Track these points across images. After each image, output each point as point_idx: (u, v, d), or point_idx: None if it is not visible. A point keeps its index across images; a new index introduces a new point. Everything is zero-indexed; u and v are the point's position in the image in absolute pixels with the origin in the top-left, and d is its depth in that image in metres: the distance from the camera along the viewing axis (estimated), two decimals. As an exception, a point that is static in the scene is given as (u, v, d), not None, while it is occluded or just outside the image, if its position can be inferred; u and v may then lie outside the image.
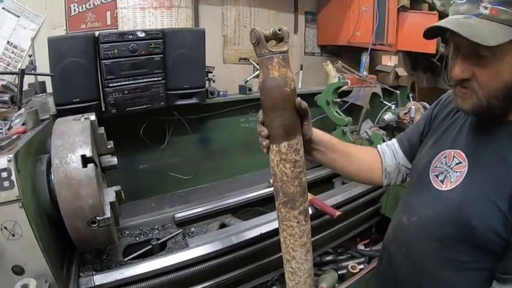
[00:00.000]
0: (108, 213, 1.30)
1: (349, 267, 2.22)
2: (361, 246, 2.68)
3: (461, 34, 0.79)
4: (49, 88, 1.90)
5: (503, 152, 0.89)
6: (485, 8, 0.80)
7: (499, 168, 0.89)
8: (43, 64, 1.99)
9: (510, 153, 0.88)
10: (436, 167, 1.04)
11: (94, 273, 1.46)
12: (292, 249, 1.01)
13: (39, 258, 1.16)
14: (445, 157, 1.03)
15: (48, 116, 1.68)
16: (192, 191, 2.50)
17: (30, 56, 1.93)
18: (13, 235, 1.12)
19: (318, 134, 1.11)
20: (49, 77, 1.82)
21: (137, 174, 2.32)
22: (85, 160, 1.25)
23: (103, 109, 1.99)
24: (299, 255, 1.01)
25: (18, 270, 1.15)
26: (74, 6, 2.17)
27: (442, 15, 3.63)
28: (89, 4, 2.22)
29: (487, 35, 0.78)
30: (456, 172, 0.97)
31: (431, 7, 3.61)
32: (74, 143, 1.28)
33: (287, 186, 0.96)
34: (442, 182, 1.00)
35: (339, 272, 2.31)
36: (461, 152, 0.99)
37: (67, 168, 1.23)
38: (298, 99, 0.93)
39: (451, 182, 0.97)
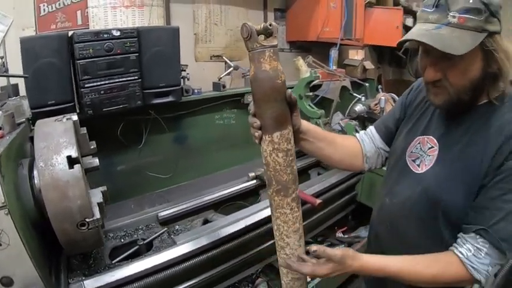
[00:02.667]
0: (97, 214, 1.29)
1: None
2: (339, 234, 2.78)
3: (436, 47, 0.87)
4: (22, 91, 1.83)
5: (468, 135, 1.00)
6: (454, 17, 0.88)
7: (465, 150, 1.00)
8: (13, 67, 1.93)
9: (474, 136, 0.99)
10: (412, 152, 1.15)
11: (83, 278, 1.44)
12: (286, 236, 1.04)
13: (28, 266, 1.13)
14: (419, 143, 1.14)
15: (23, 120, 1.63)
16: (172, 189, 2.50)
17: (1, 57, 1.86)
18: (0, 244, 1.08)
19: (305, 124, 1.16)
20: (22, 79, 1.76)
21: (115, 176, 2.28)
22: (71, 161, 1.23)
23: (77, 110, 1.94)
24: (293, 241, 1.05)
25: (7, 282, 1.11)
26: (44, 6, 2.10)
27: (407, 10, 3.80)
28: (59, 4, 2.14)
29: (457, 44, 0.87)
30: (429, 156, 1.09)
31: (396, 3, 3.76)
32: (58, 144, 1.26)
33: (280, 175, 0.99)
34: (418, 165, 1.11)
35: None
36: (433, 138, 1.10)
37: (53, 170, 1.21)
38: (289, 91, 0.97)
39: (425, 165, 1.09)
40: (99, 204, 1.36)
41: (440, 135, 1.08)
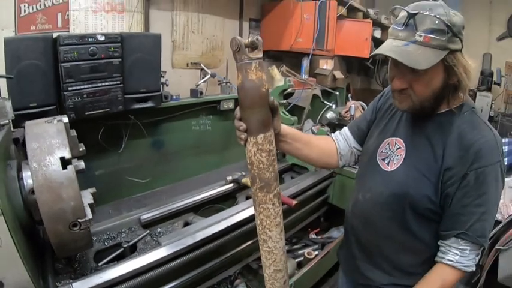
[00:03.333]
0: (89, 215, 1.31)
1: (306, 254, 2.40)
2: (312, 235, 2.89)
3: (403, 62, 1.01)
4: (3, 92, 1.81)
5: (431, 138, 1.16)
6: (420, 36, 1.02)
7: (429, 151, 1.15)
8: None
9: (436, 139, 1.14)
10: (381, 152, 1.30)
11: (71, 281, 1.44)
12: (268, 230, 1.14)
13: (20, 269, 1.13)
14: (388, 144, 1.29)
15: (7, 121, 1.61)
16: (149, 194, 2.51)
17: (-17, 57, 1.82)
18: None
19: (284, 127, 1.29)
20: (4, 80, 1.74)
21: (94, 180, 2.25)
22: (64, 162, 1.25)
23: (58, 113, 1.94)
24: (275, 235, 1.15)
25: (-3, 285, 1.10)
26: (24, 6, 2.06)
27: (375, 23, 4.00)
28: (40, 5, 2.12)
29: (421, 60, 1.01)
30: (397, 155, 1.24)
31: (366, 15, 3.96)
32: (51, 145, 1.27)
33: (263, 173, 1.09)
34: (388, 164, 1.26)
35: (296, 260, 2.49)
36: (401, 139, 1.25)
37: (46, 171, 1.22)
38: (271, 97, 1.10)
39: (394, 163, 1.24)
40: (90, 205, 1.39)
41: (407, 138, 1.23)
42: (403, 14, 1.07)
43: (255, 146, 1.08)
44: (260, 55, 1.04)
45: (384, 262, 1.30)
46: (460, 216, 1.10)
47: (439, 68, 1.05)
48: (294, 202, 2.16)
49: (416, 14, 1.02)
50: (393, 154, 1.25)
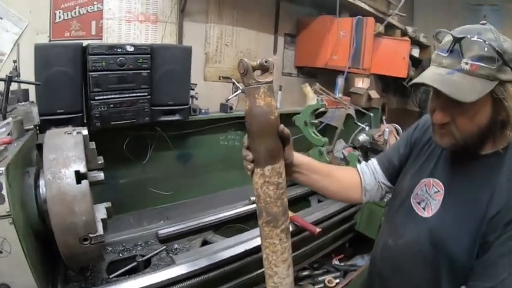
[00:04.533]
0: (100, 231, 1.28)
1: (326, 281, 2.29)
2: (335, 261, 2.76)
3: (446, 93, 0.88)
4: (32, 96, 1.84)
5: (475, 182, 1.01)
6: (466, 63, 0.89)
7: (472, 197, 1.00)
8: (23, 71, 1.93)
9: (481, 184, 1.00)
10: (417, 194, 1.15)
11: (80, 291, 1.43)
12: (274, 265, 1.06)
13: (27, 276, 1.13)
14: (425, 185, 1.14)
15: (32, 126, 1.63)
16: (172, 206, 2.48)
17: (14, 61, 1.87)
18: (1, 252, 1.08)
19: (298, 157, 1.18)
20: (32, 85, 1.77)
21: (117, 189, 2.27)
22: (79, 176, 1.23)
23: (85, 121, 1.96)
24: (281, 271, 1.07)
25: (5, 289, 1.10)
26: (59, 13, 2.12)
27: (414, 41, 3.86)
28: (75, 12, 2.17)
29: (467, 91, 0.88)
30: (435, 200, 1.09)
31: (404, 33, 3.82)
32: (67, 158, 1.26)
33: (270, 207, 1.02)
34: (424, 209, 1.12)
35: (316, 287, 2.37)
36: (439, 182, 1.10)
37: (60, 184, 1.20)
38: (281, 125, 1.01)
39: (431, 209, 1.09)
40: (102, 220, 1.36)
41: (447, 180, 1.09)
42: (448, 38, 0.95)
43: (262, 178, 1.00)
44: (270, 79, 0.97)
45: None
46: (492, 266, 0.94)
47: (487, 100, 0.92)
48: (317, 230, 2.06)
49: (463, 38, 0.90)
50: (430, 198, 1.11)
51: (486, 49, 0.88)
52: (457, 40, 0.91)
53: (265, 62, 0.96)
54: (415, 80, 0.98)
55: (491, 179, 0.98)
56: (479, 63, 0.88)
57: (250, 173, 1.03)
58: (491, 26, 0.93)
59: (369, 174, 1.36)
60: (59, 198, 1.19)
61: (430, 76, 0.95)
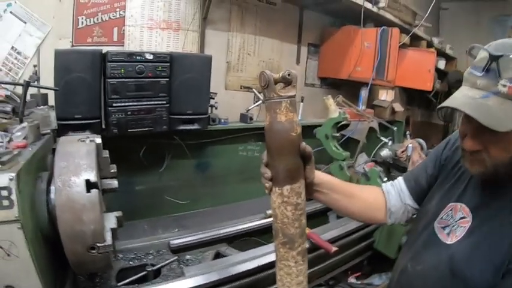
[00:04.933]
0: (109, 240, 1.27)
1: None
2: (352, 279, 2.67)
3: (480, 122, 0.79)
4: (51, 101, 1.87)
5: (504, 213, 0.92)
6: (504, 86, 0.79)
7: (498, 228, 0.93)
8: (45, 75, 1.96)
9: (509, 215, 0.91)
10: (442, 218, 1.07)
11: (88, 297, 1.42)
12: None
13: (34, 280, 1.14)
14: (451, 210, 1.06)
15: (49, 131, 1.64)
16: (187, 215, 2.47)
17: (34, 66, 1.90)
18: (8, 255, 1.10)
19: (319, 176, 1.11)
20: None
21: (133, 196, 2.27)
22: (89, 185, 1.22)
23: (103, 127, 1.97)
24: None
25: (11, 292, 1.11)
26: (82, 19, 2.16)
27: (440, 53, 3.74)
28: (97, 18, 2.21)
29: (504, 118, 0.79)
30: (460, 227, 1.00)
31: (430, 44, 3.72)
32: (78, 166, 1.25)
33: (287, 228, 0.96)
34: (448, 234, 1.03)
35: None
36: (466, 207, 1.02)
37: (70, 192, 1.20)
38: (303, 143, 0.94)
39: (456, 236, 1.01)
40: (112, 229, 1.34)
41: (474, 207, 1.01)
42: (483, 55, 0.84)
43: (280, 197, 0.94)
44: (293, 93, 0.91)
45: None
46: None
47: None
48: (334, 249, 1.99)
49: (501, 56, 0.80)
50: (455, 224, 1.03)
51: None
52: (494, 58, 0.81)
53: (288, 74, 0.89)
54: (446, 104, 0.89)
55: None
56: None
57: (268, 191, 0.97)
58: None
59: (395, 195, 1.28)
60: (68, 206, 1.18)
61: (463, 99, 0.86)
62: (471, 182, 1.05)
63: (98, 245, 1.22)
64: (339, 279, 2.65)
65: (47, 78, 1.86)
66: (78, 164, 1.25)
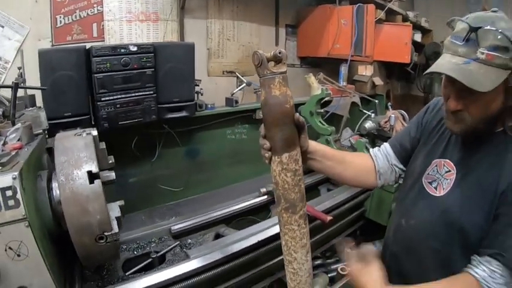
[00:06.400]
0: (116, 228, 1.30)
1: (339, 269, 2.29)
2: (347, 250, 2.75)
3: (465, 84, 0.91)
4: (38, 101, 1.86)
5: (485, 161, 1.05)
6: (482, 53, 0.91)
7: (482, 175, 1.04)
8: (29, 76, 1.95)
9: (490, 162, 1.04)
10: (428, 174, 1.18)
11: (98, 289, 1.45)
12: (293, 251, 1.09)
13: (46, 277, 1.15)
14: (436, 165, 1.17)
15: (41, 131, 1.64)
16: (182, 202, 2.51)
17: (19, 68, 1.89)
18: (18, 255, 1.10)
19: (313, 144, 1.21)
20: (39, 91, 1.80)
21: (128, 188, 2.30)
22: (91, 176, 1.24)
23: (93, 123, 1.98)
24: (300, 256, 1.10)
25: (23, 292, 1.12)
26: (60, 17, 2.14)
27: (415, 26, 3.83)
28: (75, 16, 2.19)
29: (483, 80, 0.91)
30: (447, 179, 1.12)
31: (405, 19, 3.80)
32: (78, 159, 1.27)
33: (288, 193, 1.04)
34: (435, 188, 1.14)
35: (329, 275, 2.39)
36: (450, 162, 1.13)
37: (73, 185, 1.22)
38: (297, 114, 1.04)
39: (443, 188, 1.12)
40: (117, 218, 1.38)
41: (458, 160, 1.11)
42: (462, 26, 0.97)
43: (280, 165, 1.03)
44: (284, 69, 0.99)
45: None
46: (499, 235, 0.98)
47: (499, 89, 0.95)
48: (329, 218, 2.07)
49: (479, 28, 0.92)
50: (441, 177, 1.14)
51: (500, 37, 0.90)
52: (473, 30, 0.93)
53: (279, 53, 0.97)
54: (432, 69, 1.00)
55: (500, 156, 1.02)
56: (495, 53, 0.91)
57: (267, 161, 1.06)
58: (502, 13, 0.96)
59: (382, 157, 1.38)
60: (73, 199, 1.20)
61: (447, 65, 0.97)
62: (451, 139, 1.16)
63: (106, 234, 1.25)
64: (334, 250, 2.75)
65: (29, 80, 1.85)
66: (79, 156, 1.27)
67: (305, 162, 1.18)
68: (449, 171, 1.12)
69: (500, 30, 0.90)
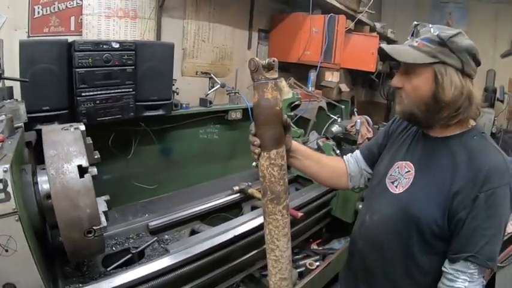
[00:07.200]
0: (104, 222, 1.33)
1: (307, 264, 2.41)
2: (314, 246, 2.90)
3: (389, 53, 1.13)
4: (16, 94, 1.83)
5: (440, 161, 1.17)
6: (416, 42, 1.13)
7: (437, 174, 1.15)
8: (5, 67, 1.90)
9: (445, 162, 1.15)
10: (391, 175, 1.30)
11: (81, 285, 1.46)
12: (276, 239, 1.20)
13: (34, 273, 1.14)
14: (398, 167, 1.29)
15: (21, 124, 1.61)
16: (155, 200, 2.52)
17: (-2, 58, 1.84)
18: (6, 250, 1.09)
19: (295, 144, 1.35)
20: (17, 82, 1.76)
21: (102, 185, 2.24)
22: (81, 170, 1.26)
23: (70, 118, 1.95)
24: (282, 244, 1.20)
25: (9, 289, 1.11)
26: (38, 8, 2.09)
27: (382, 37, 4.04)
28: (54, 8, 2.14)
29: (407, 57, 1.13)
30: (406, 179, 1.24)
31: (372, 29, 4.01)
32: (69, 153, 1.28)
33: (274, 186, 1.16)
34: (396, 187, 1.26)
35: (298, 270, 2.50)
36: (410, 163, 1.25)
37: (64, 179, 1.23)
38: (285, 116, 1.17)
39: (402, 186, 1.24)
40: (104, 212, 1.40)
41: (416, 161, 1.24)
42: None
43: (268, 160, 1.14)
44: (276, 75, 1.11)
45: (386, 286, 1.29)
46: (469, 239, 1.08)
47: (428, 75, 1.11)
48: (300, 214, 2.18)
49: (419, 24, 1.16)
50: (402, 177, 1.25)
51: (432, 31, 1.11)
52: (415, 26, 1.17)
53: (273, 61, 1.08)
54: (383, 46, 1.19)
55: (454, 157, 1.13)
56: (424, 42, 1.11)
57: (256, 156, 1.17)
58: (459, 30, 1.12)
59: (353, 162, 1.52)
60: (63, 193, 1.22)
61: (390, 48, 1.17)
62: (412, 144, 1.30)
63: (94, 228, 1.27)
64: (302, 247, 2.87)
65: (7, 71, 1.79)
66: (68, 151, 1.29)
67: (288, 160, 1.28)
68: (409, 171, 1.24)
69: (433, 28, 1.11)
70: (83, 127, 1.47)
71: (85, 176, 1.27)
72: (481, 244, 1.06)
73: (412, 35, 1.16)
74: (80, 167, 1.27)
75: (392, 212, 1.24)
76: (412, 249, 1.18)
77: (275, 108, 1.10)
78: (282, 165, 1.16)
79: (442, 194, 1.11)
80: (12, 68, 1.81)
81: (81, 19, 2.28)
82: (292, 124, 2.90)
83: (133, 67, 2.08)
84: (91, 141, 1.53)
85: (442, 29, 1.10)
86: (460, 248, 1.09)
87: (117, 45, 1.97)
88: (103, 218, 1.35)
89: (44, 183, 1.33)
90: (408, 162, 1.26)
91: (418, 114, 1.16)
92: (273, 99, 1.09)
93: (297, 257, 2.73)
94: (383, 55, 1.19)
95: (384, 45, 1.18)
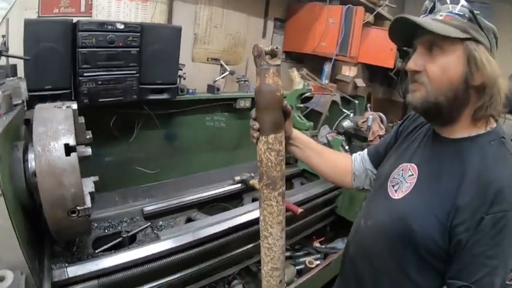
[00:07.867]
0: (88, 203, 1.30)
1: (307, 262, 2.36)
2: (316, 244, 2.84)
3: (415, 21, 0.95)
4: (20, 72, 1.83)
5: (447, 167, 1.01)
6: (441, 16, 0.97)
7: (441, 183, 0.99)
8: (12, 46, 1.90)
9: (452, 169, 0.99)
10: (394, 177, 1.17)
11: (67, 265, 1.46)
12: (270, 226, 1.19)
13: (16, 250, 1.13)
14: (402, 170, 1.15)
15: (20, 101, 1.62)
16: (156, 185, 2.50)
17: (3, 36, 1.84)
18: None
19: (296, 132, 1.32)
20: (21, 61, 1.76)
21: (103, 166, 2.27)
22: (68, 149, 1.24)
23: (73, 98, 1.95)
24: (275, 232, 1.19)
25: (-9, 264, 1.10)
26: (49, -12, 2.09)
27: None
28: (64, -12, 2.15)
29: (438, 28, 0.93)
30: (407, 183, 1.09)
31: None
32: (57, 131, 1.27)
33: (271, 171, 1.16)
34: (395, 191, 1.13)
35: (297, 267, 2.46)
36: (415, 166, 1.11)
37: (50, 156, 1.21)
38: (285, 101, 1.16)
39: (402, 191, 1.10)
40: (90, 193, 1.38)
41: (421, 164, 1.09)
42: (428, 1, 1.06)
43: (266, 144, 1.15)
44: (278, 62, 1.11)
45: None
46: (468, 266, 0.92)
47: (460, 54, 0.94)
48: (300, 210, 2.11)
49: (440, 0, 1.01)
50: (404, 181, 1.11)
51: (460, 6, 0.96)
52: (434, 1, 1.03)
53: (276, 48, 1.10)
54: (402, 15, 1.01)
55: (464, 164, 0.97)
56: (452, 15, 0.96)
57: (255, 140, 1.17)
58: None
59: (359, 161, 1.44)
60: (48, 171, 1.20)
61: (413, 18, 0.98)
62: (421, 144, 1.15)
63: (78, 208, 1.25)
64: (304, 244, 2.82)
65: (12, 49, 1.79)
66: (57, 128, 1.26)
67: (287, 147, 1.28)
68: (412, 175, 1.10)
69: (459, 2, 0.96)
70: (75, 106, 1.44)
71: (71, 154, 1.24)
72: (480, 275, 0.91)
73: (430, 12, 1.01)
74: (66, 145, 1.24)
75: (386, 219, 1.10)
76: (404, 264, 1.05)
77: (275, 93, 1.11)
78: (280, 150, 1.16)
79: (445, 207, 0.95)
80: (21, 47, 1.78)
81: (91, 0, 2.26)
82: (301, 116, 2.87)
83: (138, 49, 2.04)
84: (83, 121, 1.51)
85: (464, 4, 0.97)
86: (455, 274, 0.95)
87: (121, 26, 1.94)
88: (88, 200, 1.32)
89: (33, 160, 1.32)
90: (413, 164, 1.11)
91: (444, 104, 0.97)
92: (274, 84, 1.10)
93: (298, 253, 2.68)
94: (397, 30, 1.05)
95: (404, 15, 0.98)
